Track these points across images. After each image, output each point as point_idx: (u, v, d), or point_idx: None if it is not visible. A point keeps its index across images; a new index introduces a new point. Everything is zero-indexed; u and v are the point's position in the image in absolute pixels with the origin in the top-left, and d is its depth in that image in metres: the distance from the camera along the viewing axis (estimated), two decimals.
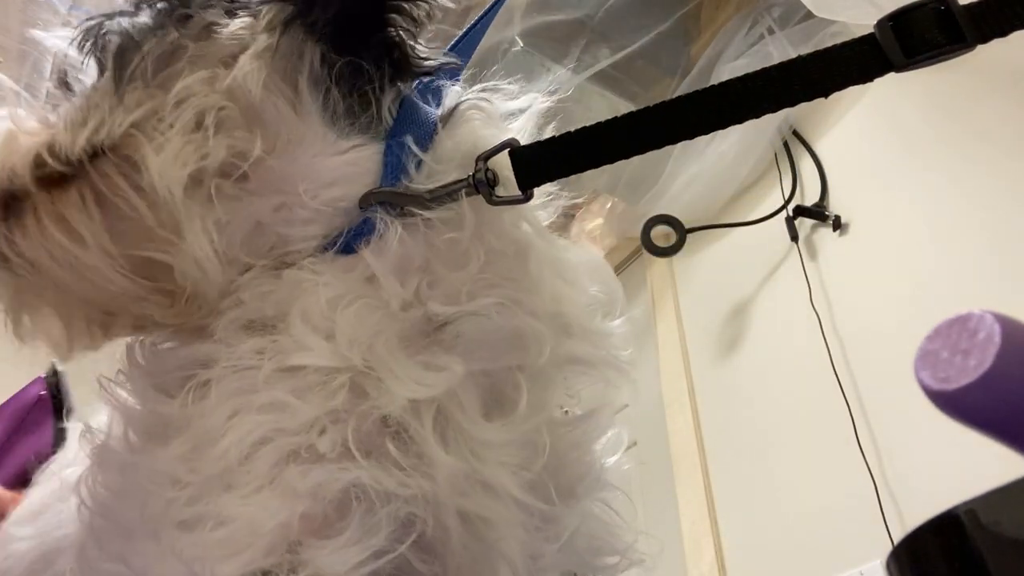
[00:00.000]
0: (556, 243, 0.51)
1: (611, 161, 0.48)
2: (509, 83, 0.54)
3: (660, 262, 2.00)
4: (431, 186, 0.46)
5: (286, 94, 0.47)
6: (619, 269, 2.17)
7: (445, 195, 0.46)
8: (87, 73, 0.48)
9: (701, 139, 1.79)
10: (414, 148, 0.47)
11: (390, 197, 0.46)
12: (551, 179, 0.48)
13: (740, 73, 0.46)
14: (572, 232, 2.26)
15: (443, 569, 0.40)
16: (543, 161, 0.47)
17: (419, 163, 0.47)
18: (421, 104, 0.50)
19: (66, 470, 0.50)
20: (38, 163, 0.45)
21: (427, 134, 0.49)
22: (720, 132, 1.74)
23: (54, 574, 0.44)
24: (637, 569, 0.52)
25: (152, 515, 0.37)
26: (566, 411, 0.49)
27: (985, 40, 0.43)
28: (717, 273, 1.85)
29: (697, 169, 1.79)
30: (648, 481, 1.76)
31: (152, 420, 0.42)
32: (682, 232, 1.81)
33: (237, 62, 0.46)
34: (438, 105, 0.51)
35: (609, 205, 2.16)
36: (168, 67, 0.46)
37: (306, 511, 0.37)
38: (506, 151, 0.47)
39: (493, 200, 0.46)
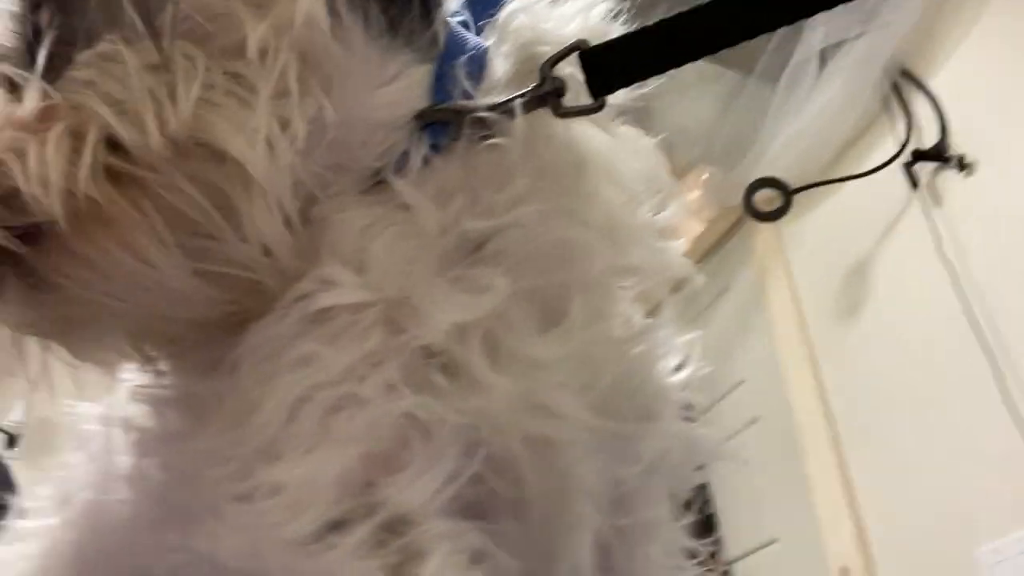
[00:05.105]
0: (615, 145, 0.45)
1: (695, 58, 0.42)
2: None
3: (766, 228, 1.87)
4: (491, 101, 0.41)
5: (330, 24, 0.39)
6: (721, 242, 2.06)
7: (506, 110, 0.40)
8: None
9: (800, 93, 1.69)
10: (467, 68, 0.42)
11: (447, 115, 0.41)
12: (629, 83, 0.43)
13: None
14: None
15: (522, 495, 0.37)
16: (618, 62, 0.41)
17: (476, 81, 0.42)
18: (465, 32, 0.45)
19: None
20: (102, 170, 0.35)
21: (480, 54, 0.44)
22: (820, 82, 1.64)
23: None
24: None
25: (207, 495, 0.35)
26: (625, 323, 0.44)
27: None
28: (830, 234, 1.73)
29: (798, 125, 1.67)
30: (772, 457, 1.68)
31: (187, 403, 0.39)
32: (787, 194, 1.69)
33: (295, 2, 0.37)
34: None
35: (705, 176, 2.06)
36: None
37: (366, 451, 0.34)
38: (575, 54, 0.41)
39: (561, 112, 0.41)
